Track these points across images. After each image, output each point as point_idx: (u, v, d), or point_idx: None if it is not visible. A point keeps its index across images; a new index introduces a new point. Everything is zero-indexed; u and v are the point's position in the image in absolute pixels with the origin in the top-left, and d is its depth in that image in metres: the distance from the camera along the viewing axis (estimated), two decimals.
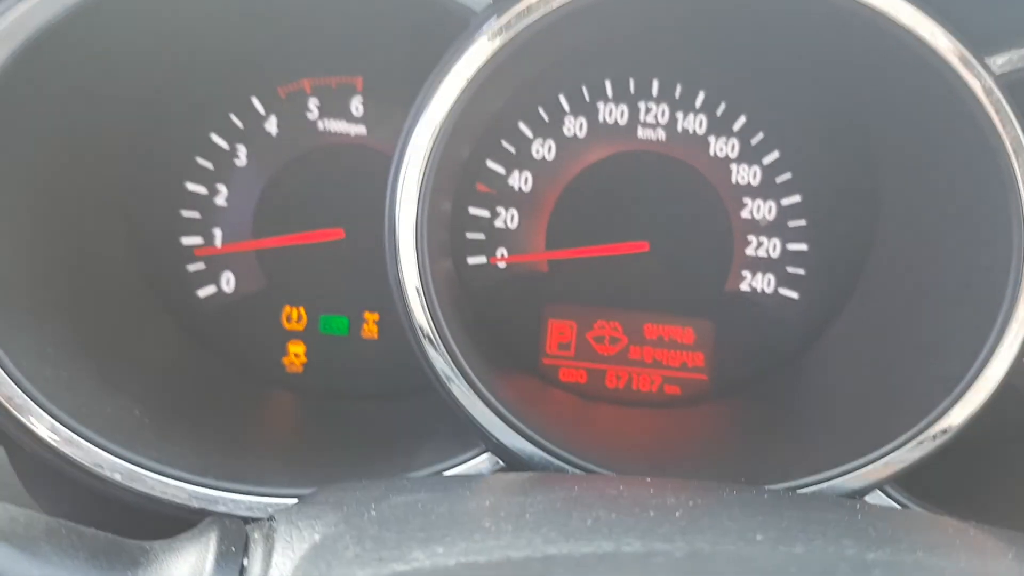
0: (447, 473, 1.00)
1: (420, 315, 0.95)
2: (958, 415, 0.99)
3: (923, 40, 0.96)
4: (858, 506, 0.77)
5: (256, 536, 0.71)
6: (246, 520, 0.75)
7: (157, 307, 1.26)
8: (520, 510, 0.69)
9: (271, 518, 0.75)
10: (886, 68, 1.06)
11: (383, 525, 0.68)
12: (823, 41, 1.14)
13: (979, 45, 0.97)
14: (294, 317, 1.32)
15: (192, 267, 1.31)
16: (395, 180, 0.93)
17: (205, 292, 1.31)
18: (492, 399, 0.97)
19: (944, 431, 0.99)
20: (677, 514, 0.67)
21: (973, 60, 0.96)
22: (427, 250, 0.95)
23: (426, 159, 0.93)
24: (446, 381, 0.97)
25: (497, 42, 0.93)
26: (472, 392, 0.98)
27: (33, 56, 0.93)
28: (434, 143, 0.93)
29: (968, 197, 1.04)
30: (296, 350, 1.32)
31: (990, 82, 0.96)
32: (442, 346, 0.96)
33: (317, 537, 0.69)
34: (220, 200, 1.30)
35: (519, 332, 1.36)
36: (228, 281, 1.32)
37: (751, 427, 1.22)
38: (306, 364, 1.33)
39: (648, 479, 0.81)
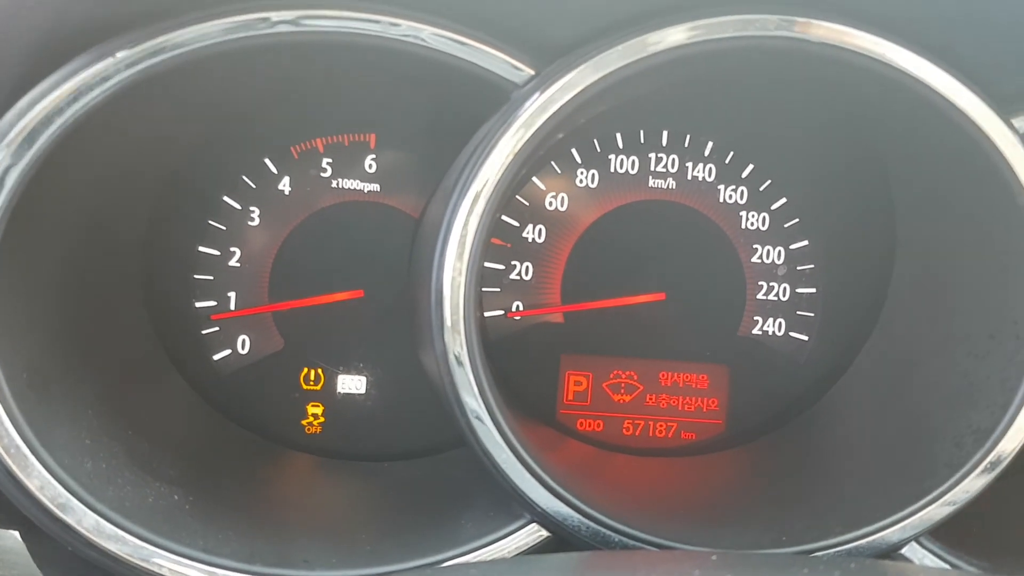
0: (496, 547, 0.99)
1: (470, 396, 0.95)
2: (992, 465, 1.02)
3: (950, 101, 0.98)
4: None
5: None
6: None
7: (177, 379, 1.23)
8: None
9: None
10: (910, 127, 1.08)
11: None
12: (843, 100, 1.16)
13: (1003, 105, 1.00)
14: (312, 378, 1.30)
15: (207, 331, 1.28)
16: (443, 247, 0.92)
17: (219, 355, 1.29)
18: (542, 473, 0.97)
19: (988, 468, 1.01)
20: None
21: (999, 120, 0.98)
22: (473, 325, 0.94)
23: (476, 230, 0.93)
24: (495, 457, 0.97)
25: (542, 117, 0.93)
26: (521, 466, 0.97)
27: (59, 139, 0.89)
28: (483, 213, 0.93)
29: (992, 249, 1.06)
30: (314, 411, 1.30)
31: (1016, 141, 0.99)
32: (492, 425, 0.96)
33: None
34: (233, 261, 1.28)
35: (535, 384, 1.36)
36: (244, 344, 1.29)
37: (776, 476, 1.23)
38: (324, 424, 1.31)
39: (715, 556, 0.81)
